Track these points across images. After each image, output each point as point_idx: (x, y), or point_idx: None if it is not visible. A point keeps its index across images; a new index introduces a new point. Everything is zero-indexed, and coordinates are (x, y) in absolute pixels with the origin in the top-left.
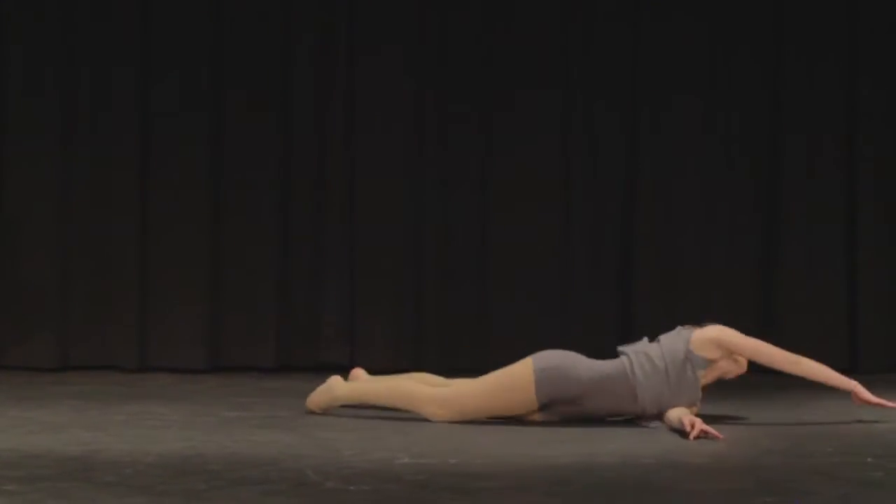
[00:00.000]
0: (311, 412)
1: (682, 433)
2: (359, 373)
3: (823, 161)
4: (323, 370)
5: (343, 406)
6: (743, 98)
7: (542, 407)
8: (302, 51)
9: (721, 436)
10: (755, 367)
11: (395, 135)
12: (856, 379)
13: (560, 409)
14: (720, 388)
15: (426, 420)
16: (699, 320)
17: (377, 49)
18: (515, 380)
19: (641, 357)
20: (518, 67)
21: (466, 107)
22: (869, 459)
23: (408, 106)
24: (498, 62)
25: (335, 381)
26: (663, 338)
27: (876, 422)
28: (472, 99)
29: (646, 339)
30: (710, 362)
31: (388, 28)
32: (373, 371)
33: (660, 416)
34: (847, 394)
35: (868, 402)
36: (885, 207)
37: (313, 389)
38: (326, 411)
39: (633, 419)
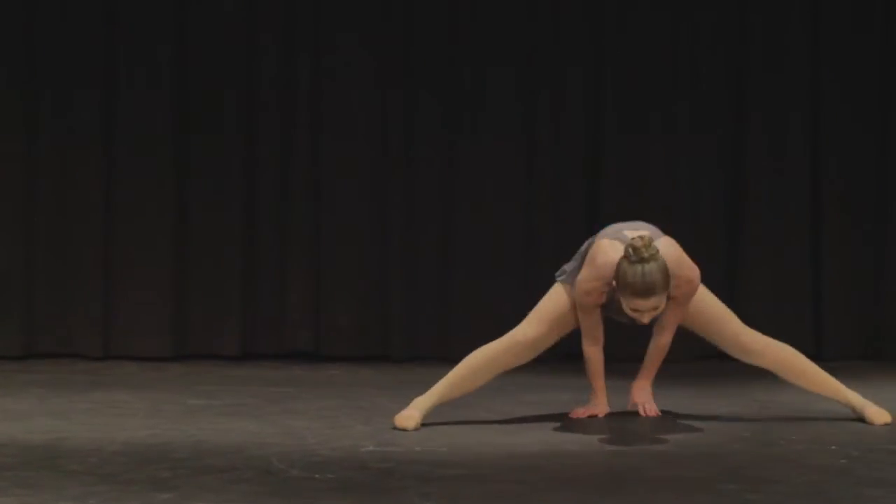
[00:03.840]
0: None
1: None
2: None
3: (787, 146)
4: (288, 358)
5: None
6: (706, 83)
7: None
8: (266, 42)
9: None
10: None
11: (360, 123)
12: (820, 365)
13: None
14: (684, 377)
15: (395, 408)
16: None
17: (340, 40)
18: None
19: None
20: (484, 52)
21: (432, 98)
22: (833, 447)
23: (372, 98)
24: (463, 47)
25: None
26: None
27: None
28: (437, 89)
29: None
30: None
31: (351, 21)
32: (337, 358)
33: None
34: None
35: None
36: (849, 194)
37: (278, 377)
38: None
39: None
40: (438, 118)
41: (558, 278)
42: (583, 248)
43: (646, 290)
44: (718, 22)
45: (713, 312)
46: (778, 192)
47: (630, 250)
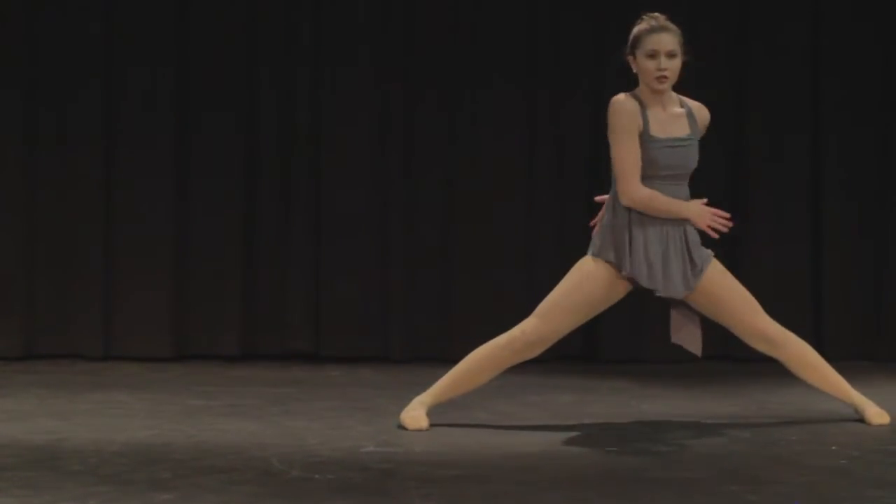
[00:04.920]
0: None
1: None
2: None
3: (787, 145)
4: (288, 358)
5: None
6: (708, 87)
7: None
8: (267, 41)
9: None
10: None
11: (360, 125)
12: None
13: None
14: (683, 377)
15: (395, 408)
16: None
17: (341, 39)
18: (583, 267)
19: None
20: (485, 52)
21: (431, 97)
22: (833, 447)
23: (372, 98)
24: (464, 47)
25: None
26: None
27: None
28: (437, 89)
29: None
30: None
31: (351, 20)
32: (336, 358)
33: None
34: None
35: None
36: (849, 194)
37: (278, 378)
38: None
39: None
40: (439, 118)
41: (590, 252)
42: (605, 217)
43: (661, 27)
44: (718, 21)
45: (739, 298)
46: (778, 191)
47: (646, 16)
